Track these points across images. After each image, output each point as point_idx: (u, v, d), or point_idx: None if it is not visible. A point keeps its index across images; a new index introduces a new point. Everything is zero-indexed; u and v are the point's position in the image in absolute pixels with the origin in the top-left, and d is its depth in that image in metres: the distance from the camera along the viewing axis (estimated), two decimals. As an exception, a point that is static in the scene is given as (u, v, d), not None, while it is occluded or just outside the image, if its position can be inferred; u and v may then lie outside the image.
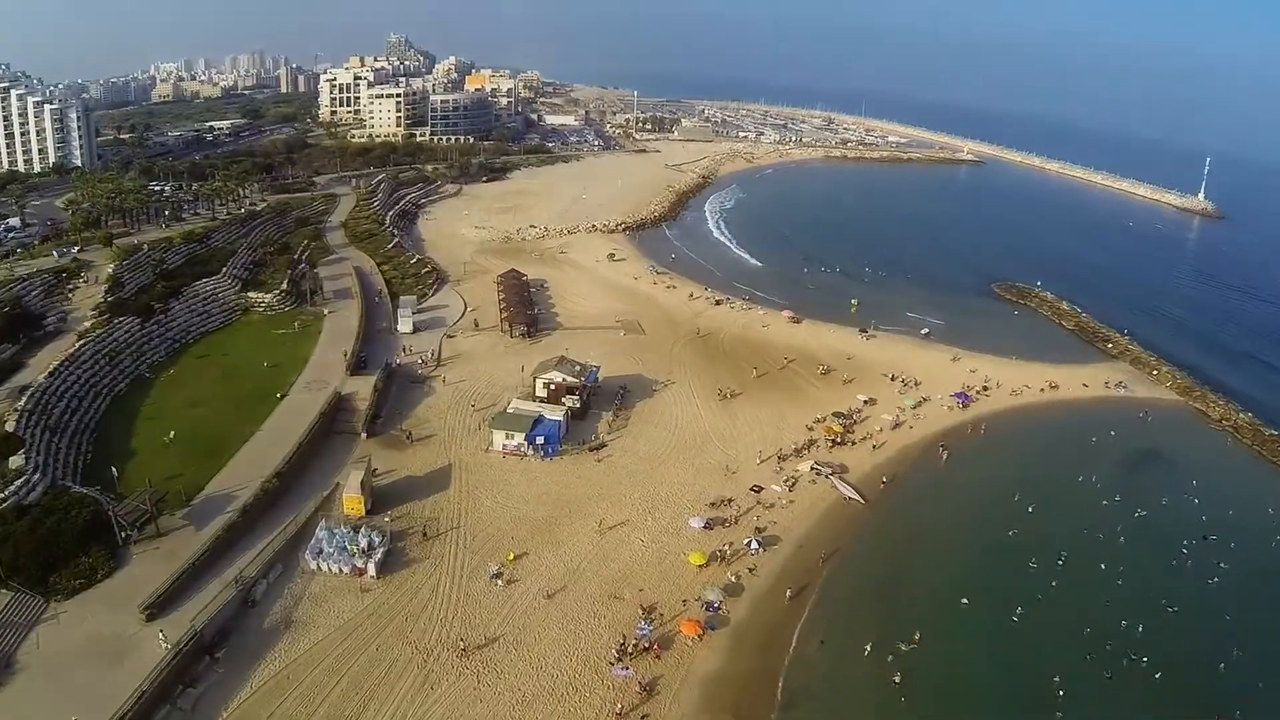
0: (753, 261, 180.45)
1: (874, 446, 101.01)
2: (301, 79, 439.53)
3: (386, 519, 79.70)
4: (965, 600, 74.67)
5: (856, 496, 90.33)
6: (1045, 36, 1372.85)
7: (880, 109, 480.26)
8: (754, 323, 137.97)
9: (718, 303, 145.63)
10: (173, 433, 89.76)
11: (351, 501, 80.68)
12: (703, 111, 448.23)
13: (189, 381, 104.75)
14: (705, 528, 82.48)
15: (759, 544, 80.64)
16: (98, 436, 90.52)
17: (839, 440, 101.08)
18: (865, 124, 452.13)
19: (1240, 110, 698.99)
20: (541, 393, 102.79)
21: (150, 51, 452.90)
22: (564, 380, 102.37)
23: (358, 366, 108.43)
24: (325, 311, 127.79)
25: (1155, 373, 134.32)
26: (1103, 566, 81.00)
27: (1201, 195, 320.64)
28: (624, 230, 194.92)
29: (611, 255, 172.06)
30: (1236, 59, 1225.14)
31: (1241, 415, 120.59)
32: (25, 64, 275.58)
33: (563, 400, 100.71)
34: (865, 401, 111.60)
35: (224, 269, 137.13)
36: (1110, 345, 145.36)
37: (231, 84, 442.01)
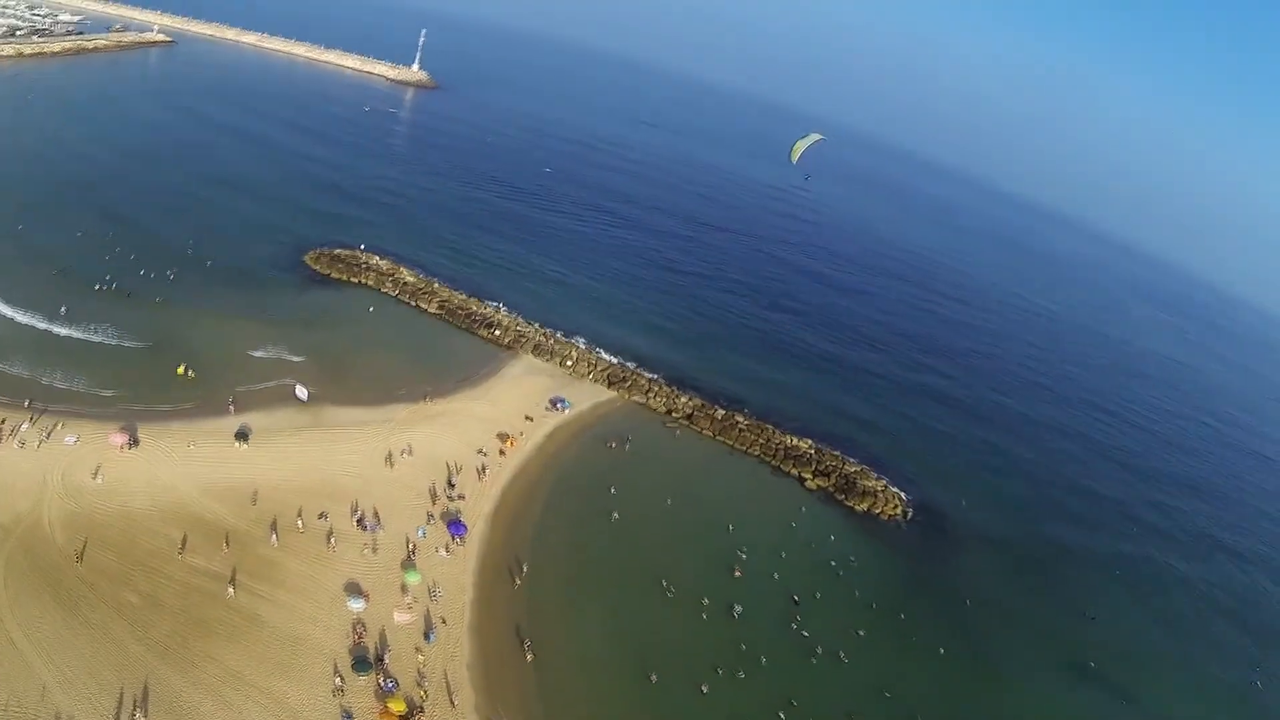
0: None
1: None
2: None
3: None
4: None
5: None
6: None
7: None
8: (75, 471, 66.51)
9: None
10: None
11: None
12: None
13: None
14: None
15: None
16: None
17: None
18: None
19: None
20: None
21: None
22: None
23: None
24: None
25: (568, 362, 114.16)
26: None
27: (416, 66, 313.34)
28: None
29: None
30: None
31: (682, 399, 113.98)
32: None
33: None
34: (358, 615, 61.03)
35: None
36: (495, 330, 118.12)
37: None
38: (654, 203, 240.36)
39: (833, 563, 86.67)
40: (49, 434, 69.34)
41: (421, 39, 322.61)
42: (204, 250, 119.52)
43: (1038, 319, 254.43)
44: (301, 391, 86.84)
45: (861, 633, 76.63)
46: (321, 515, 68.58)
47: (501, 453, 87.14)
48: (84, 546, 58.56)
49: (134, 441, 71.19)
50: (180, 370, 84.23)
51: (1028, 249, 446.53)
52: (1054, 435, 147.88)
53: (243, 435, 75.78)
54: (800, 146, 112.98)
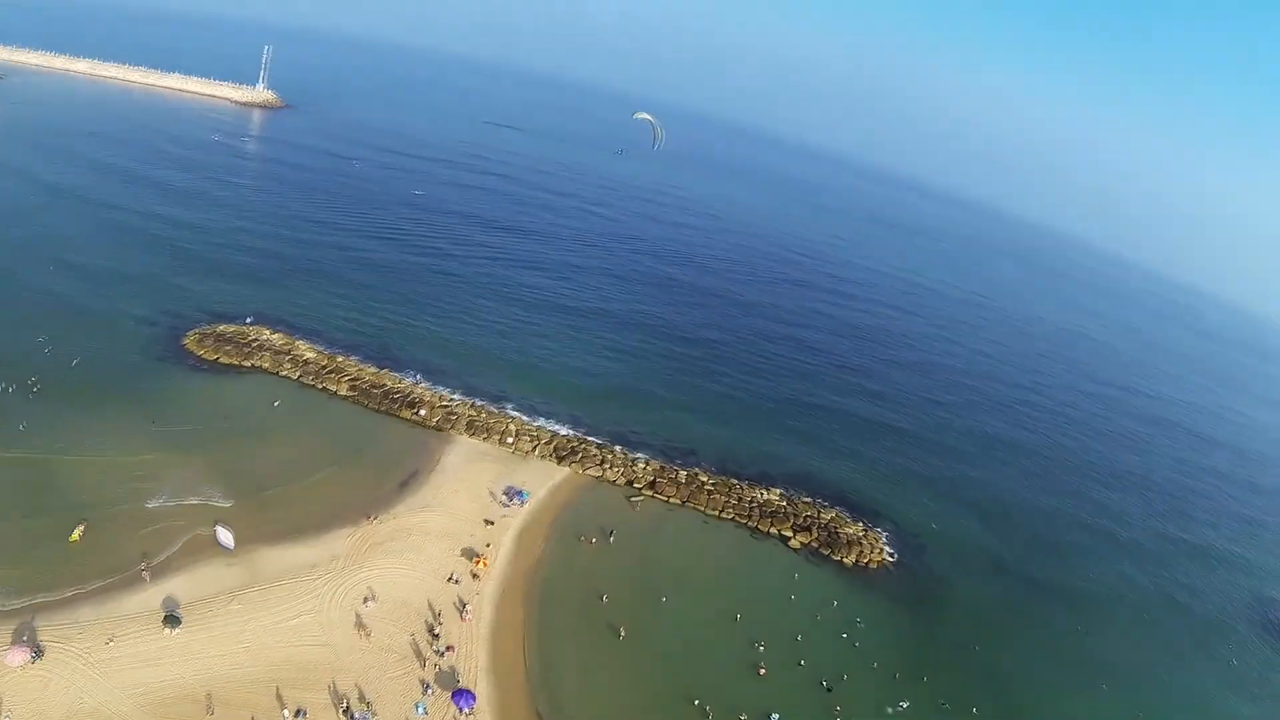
0: None
1: None
2: None
3: None
4: None
5: None
6: None
7: None
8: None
9: None
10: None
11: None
12: None
13: None
14: None
15: None
16: None
17: None
18: None
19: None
20: None
21: None
22: None
23: None
24: None
25: (508, 439, 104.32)
26: None
27: (262, 85, 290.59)
28: None
29: None
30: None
31: (639, 464, 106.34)
32: None
33: None
34: None
35: None
36: (421, 410, 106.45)
37: None
38: (530, 225, 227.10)
39: (845, 635, 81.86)
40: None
41: (265, 56, 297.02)
42: (64, 348, 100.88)
43: (932, 300, 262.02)
44: (225, 537, 72.78)
45: (904, 704, 73.14)
46: (299, 713, 56.47)
47: (474, 575, 76.33)
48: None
49: (38, 652, 56.38)
50: (75, 535, 68.56)
51: (896, 223, 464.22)
52: (987, 440, 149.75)
53: (172, 618, 61.65)
54: (642, 115, 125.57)
